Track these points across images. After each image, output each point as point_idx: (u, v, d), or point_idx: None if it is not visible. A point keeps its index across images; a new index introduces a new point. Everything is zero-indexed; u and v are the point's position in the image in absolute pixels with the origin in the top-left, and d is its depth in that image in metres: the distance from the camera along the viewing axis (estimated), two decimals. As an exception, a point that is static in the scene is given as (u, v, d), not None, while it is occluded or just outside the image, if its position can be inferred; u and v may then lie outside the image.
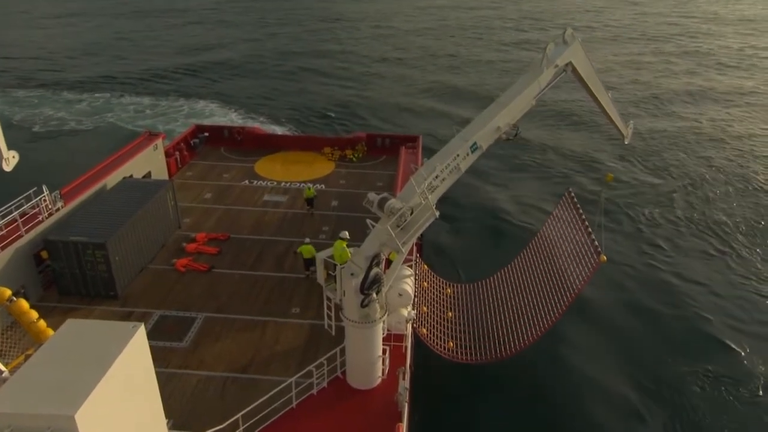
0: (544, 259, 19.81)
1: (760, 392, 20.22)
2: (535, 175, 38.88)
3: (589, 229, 18.04)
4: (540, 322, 17.40)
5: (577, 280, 17.14)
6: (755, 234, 31.57)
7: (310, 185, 26.51)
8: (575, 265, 17.60)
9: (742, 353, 22.09)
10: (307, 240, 21.29)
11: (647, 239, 30.25)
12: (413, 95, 59.67)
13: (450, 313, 19.38)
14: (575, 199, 20.02)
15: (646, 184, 37.17)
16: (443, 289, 20.71)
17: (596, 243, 17.19)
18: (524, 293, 19.29)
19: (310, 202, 25.84)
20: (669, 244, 29.88)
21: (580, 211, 19.16)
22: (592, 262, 16.92)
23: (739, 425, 19.17)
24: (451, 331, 18.43)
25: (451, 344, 17.61)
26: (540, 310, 17.81)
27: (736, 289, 26.18)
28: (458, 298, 20.62)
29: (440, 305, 19.68)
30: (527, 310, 18.38)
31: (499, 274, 21.30)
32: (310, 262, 20.58)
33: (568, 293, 17.17)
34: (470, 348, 17.71)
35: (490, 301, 20.11)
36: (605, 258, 16.52)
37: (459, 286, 21.52)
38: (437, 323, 18.41)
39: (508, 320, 18.50)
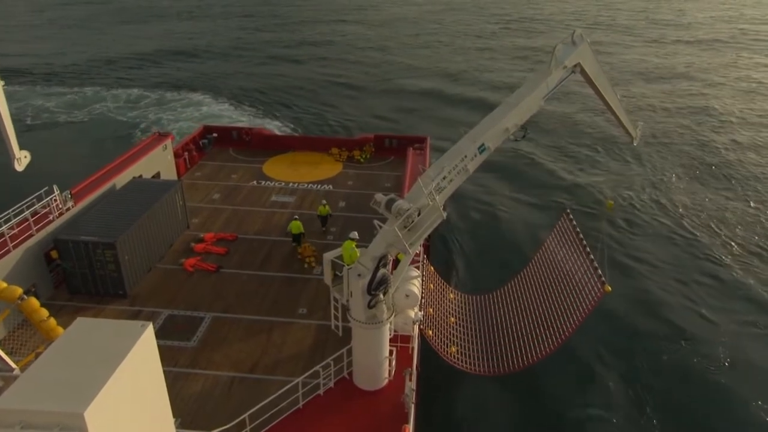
0: (542, 282, 19.39)
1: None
2: (537, 186, 37.44)
3: (591, 256, 17.46)
4: (540, 346, 17.22)
5: (579, 309, 16.73)
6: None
7: (324, 201, 24.86)
8: (577, 292, 17.13)
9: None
10: (296, 216, 23.47)
11: (649, 262, 28.83)
12: (418, 94, 59.76)
13: (452, 319, 19.30)
14: (574, 222, 19.49)
15: (649, 201, 35.59)
16: (446, 293, 20.65)
17: (599, 272, 16.68)
18: (523, 314, 18.97)
19: (323, 220, 24.44)
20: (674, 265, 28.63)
21: (581, 235, 18.63)
22: (596, 291, 16.41)
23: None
24: (453, 336, 18.36)
25: (454, 349, 17.56)
26: (540, 333, 17.51)
27: (745, 314, 25.10)
28: (459, 306, 20.52)
29: (444, 309, 19.63)
30: (527, 331, 18.06)
31: (499, 291, 21.08)
32: (298, 238, 22.87)
33: (570, 321, 16.80)
34: (469, 357, 17.63)
35: (491, 315, 19.84)
36: (609, 288, 16.09)
37: (460, 294, 21.43)
38: (441, 327, 18.36)
39: (507, 338, 18.27)
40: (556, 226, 20.59)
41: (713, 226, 31.92)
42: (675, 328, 23.87)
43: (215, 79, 64.39)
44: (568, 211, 20.52)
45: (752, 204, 34.73)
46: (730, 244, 30.17)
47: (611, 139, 43.64)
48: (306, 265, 21.92)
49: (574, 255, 18.35)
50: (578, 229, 19.00)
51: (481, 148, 14.48)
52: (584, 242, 18.21)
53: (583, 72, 15.82)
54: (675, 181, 37.35)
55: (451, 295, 20.82)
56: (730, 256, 29.13)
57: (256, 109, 53.97)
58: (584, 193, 35.73)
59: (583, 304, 16.59)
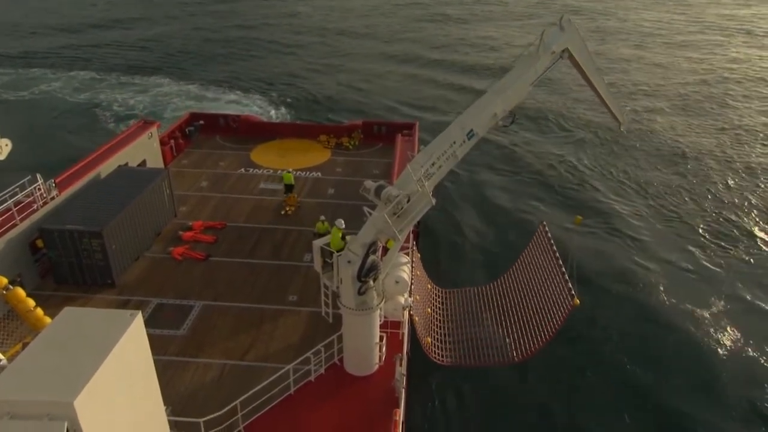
0: (518, 290, 19.66)
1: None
2: (521, 193, 36.22)
3: (563, 269, 17.77)
4: (513, 350, 17.48)
5: (551, 321, 17.03)
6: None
7: (323, 218, 20.93)
8: (550, 305, 17.44)
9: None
10: (290, 170, 25.92)
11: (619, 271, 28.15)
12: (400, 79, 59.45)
13: (428, 310, 19.49)
14: (549, 234, 19.70)
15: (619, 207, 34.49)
16: (425, 284, 20.79)
17: (570, 285, 16.99)
18: (497, 316, 19.16)
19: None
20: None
21: (554, 247, 18.87)
22: (566, 304, 16.72)
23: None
24: (428, 328, 18.54)
25: (429, 340, 17.75)
26: (515, 339, 17.75)
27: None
28: (435, 297, 20.72)
29: (424, 299, 19.79)
30: (500, 335, 18.29)
31: (474, 289, 21.21)
32: (290, 188, 25.44)
33: (542, 333, 17.09)
34: (438, 348, 17.85)
35: (464, 311, 19.99)
36: (578, 301, 16.41)
37: (435, 287, 21.57)
38: (421, 316, 18.53)
39: (479, 335, 18.44)
40: (533, 238, 20.78)
41: (686, 234, 31.38)
42: (645, 336, 23.62)
43: (174, 60, 63.97)
44: (544, 223, 20.69)
45: (727, 211, 33.82)
46: (705, 252, 29.64)
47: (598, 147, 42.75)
48: (282, 212, 24.66)
49: (548, 267, 18.64)
50: (552, 242, 19.24)
51: (470, 134, 14.48)
52: (557, 254, 18.50)
53: (571, 57, 15.80)
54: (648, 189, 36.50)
55: (429, 286, 20.97)
56: (702, 263, 28.60)
57: (221, 89, 53.90)
58: (561, 205, 34.39)
59: (555, 316, 16.92)
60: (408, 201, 13.75)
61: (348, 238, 14.74)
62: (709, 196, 35.61)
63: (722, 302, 25.76)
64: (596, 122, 45.47)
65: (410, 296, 16.81)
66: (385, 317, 15.97)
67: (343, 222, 15.59)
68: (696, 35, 79.49)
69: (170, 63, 63.06)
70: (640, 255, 29.26)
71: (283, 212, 24.78)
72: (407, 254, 17.52)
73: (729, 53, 69.95)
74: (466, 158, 15.09)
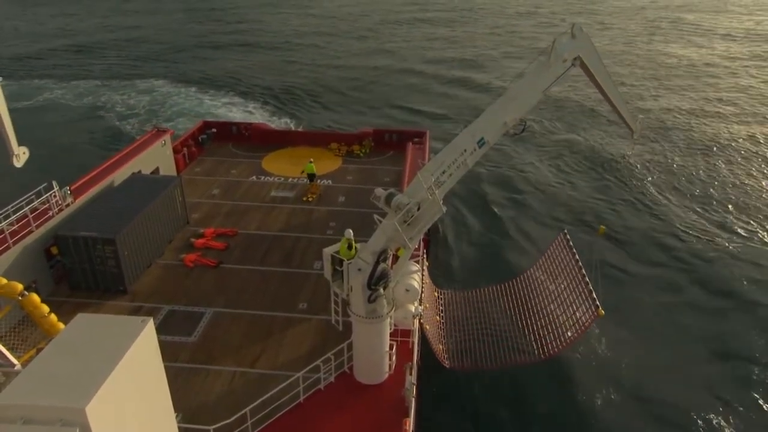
0: (531, 296, 19.51)
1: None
2: (538, 202, 35.57)
3: (587, 279, 17.53)
4: (524, 352, 17.42)
5: (571, 329, 16.83)
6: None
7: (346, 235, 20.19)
8: (571, 312, 17.21)
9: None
10: (311, 160, 28.20)
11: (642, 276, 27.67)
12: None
13: (437, 318, 19.36)
14: (570, 242, 19.40)
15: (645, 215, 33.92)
16: (432, 291, 20.68)
17: (594, 295, 16.76)
18: (508, 320, 19.08)
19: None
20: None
21: (576, 256, 18.64)
22: (589, 313, 16.48)
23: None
24: (437, 335, 18.41)
25: (440, 347, 17.64)
26: (529, 342, 17.64)
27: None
28: (441, 303, 20.61)
29: (432, 307, 19.69)
30: (510, 336, 18.26)
31: (481, 290, 21.00)
32: (312, 177, 27.92)
33: (560, 339, 16.90)
34: (447, 353, 17.74)
35: (471, 313, 19.89)
36: (603, 312, 16.23)
37: (440, 291, 21.40)
38: (431, 324, 18.43)
39: (489, 338, 18.45)
40: (551, 245, 20.52)
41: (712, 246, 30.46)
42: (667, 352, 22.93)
43: (173, 64, 65.42)
44: (566, 231, 20.46)
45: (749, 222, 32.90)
46: (729, 265, 28.69)
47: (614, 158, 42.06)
48: (305, 198, 26.83)
49: (570, 275, 18.38)
50: (574, 250, 18.99)
51: (481, 142, 14.45)
52: (580, 263, 18.24)
53: (582, 65, 15.73)
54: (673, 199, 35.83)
55: (435, 293, 20.84)
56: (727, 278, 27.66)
57: (219, 92, 54.82)
58: (584, 214, 33.68)
59: (576, 324, 16.71)
60: (418, 209, 13.74)
61: (357, 246, 14.75)
62: (748, 205, 34.68)
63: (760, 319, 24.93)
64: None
65: (420, 304, 16.76)
66: (395, 325, 15.92)
67: (351, 232, 15.62)
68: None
69: (169, 66, 64.30)
70: (666, 264, 28.73)
71: (305, 198, 26.94)
72: (417, 262, 17.48)
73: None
74: (481, 161, 15.00)
